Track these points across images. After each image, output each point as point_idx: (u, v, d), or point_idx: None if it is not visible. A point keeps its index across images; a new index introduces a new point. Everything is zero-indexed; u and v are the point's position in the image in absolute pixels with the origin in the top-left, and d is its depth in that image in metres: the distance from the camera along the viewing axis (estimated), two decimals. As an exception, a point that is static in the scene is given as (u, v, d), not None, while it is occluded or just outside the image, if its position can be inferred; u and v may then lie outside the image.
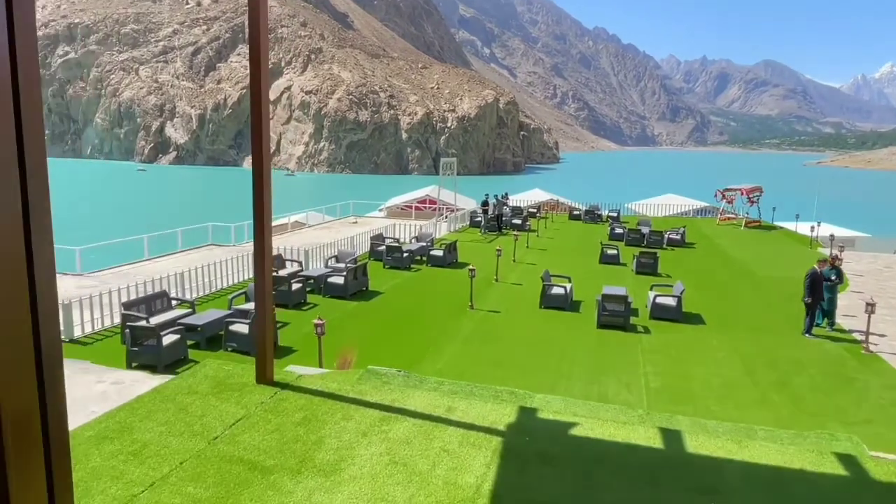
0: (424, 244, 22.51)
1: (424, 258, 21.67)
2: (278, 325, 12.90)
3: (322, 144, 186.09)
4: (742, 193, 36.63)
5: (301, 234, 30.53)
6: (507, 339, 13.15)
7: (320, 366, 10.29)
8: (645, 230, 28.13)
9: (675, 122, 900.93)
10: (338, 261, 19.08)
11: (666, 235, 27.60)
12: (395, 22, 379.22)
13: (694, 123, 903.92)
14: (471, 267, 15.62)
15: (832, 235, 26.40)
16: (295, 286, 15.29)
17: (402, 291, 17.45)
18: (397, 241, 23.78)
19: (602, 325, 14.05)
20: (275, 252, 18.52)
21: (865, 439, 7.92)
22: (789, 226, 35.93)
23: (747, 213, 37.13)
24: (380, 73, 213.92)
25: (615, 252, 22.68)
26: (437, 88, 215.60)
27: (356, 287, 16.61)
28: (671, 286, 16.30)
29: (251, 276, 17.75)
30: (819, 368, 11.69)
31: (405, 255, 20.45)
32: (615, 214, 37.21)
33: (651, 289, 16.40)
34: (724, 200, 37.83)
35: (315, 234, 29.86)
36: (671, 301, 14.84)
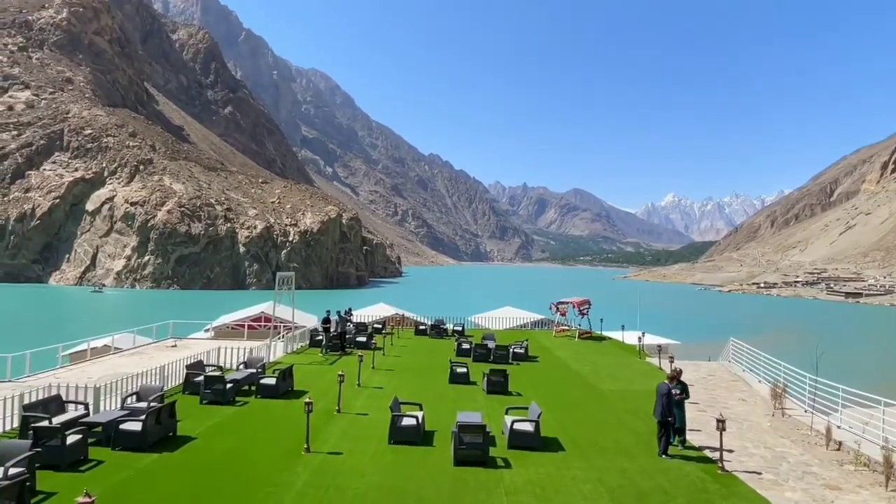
0: (253, 371, 19.56)
1: (253, 388, 18.67)
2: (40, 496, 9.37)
3: (147, 258, 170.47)
4: (573, 306, 38.57)
5: (103, 363, 25.61)
6: (350, 491, 10.84)
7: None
8: (491, 345, 27.76)
9: (504, 240, 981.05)
10: (139, 399, 15.48)
11: (511, 349, 27.40)
12: (234, 137, 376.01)
13: (520, 241, 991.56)
14: (307, 399, 13.27)
15: (660, 346, 28.03)
16: (72, 439, 11.68)
17: (221, 434, 14.35)
18: (220, 368, 20.50)
19: (459, 462, 12.36)
20: (53, 391, 14.60)
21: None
22: (616, 335, 38.20)
23: (579, 325, 38.99)
24: (216, 186, 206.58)
25: (465, 370, 21.60)
26: (279, 203, 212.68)
27: (159, 434, 13.27)
28: (526, 408, 15.30)
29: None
30: (686, 498, 10.97)
31: (228, 385, 17.36)
32: (460, 329, 36.91)
33: (507, 412, 15.24)
34: (558, 313, 39.55)
35: (121, 363, 25.19)
36: (529, 427, 13.72)
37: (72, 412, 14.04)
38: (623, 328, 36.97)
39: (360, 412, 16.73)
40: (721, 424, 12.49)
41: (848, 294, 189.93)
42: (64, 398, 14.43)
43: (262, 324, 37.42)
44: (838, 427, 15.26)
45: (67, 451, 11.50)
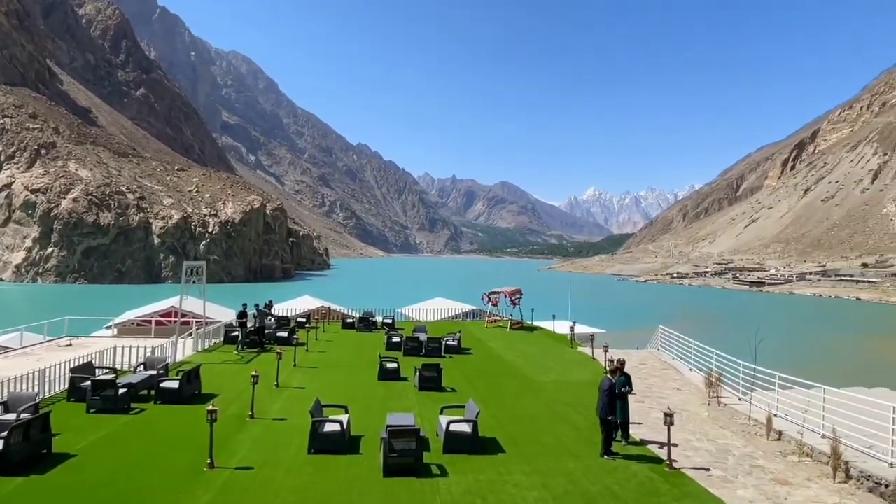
0: (153, 373, 17.26)
1: (153, 392, 16.42)
2: None
3: (50, 250, 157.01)
4: (505, 296, 37.94)
5: (-24, 367, 22.19)
6: (260, 514, 9.20)
7: None
8: (422, 337, 26.45)
9: (434, 232, 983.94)
10: (6, 409, 13.00)
11: (443, 342, 26.21)
12: (148, 122, 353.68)
13: (449, 234, 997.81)
14: (211, 405, 11.38)
15: (592, 335, 27.65)
16: None
17: (107, 450, 12.20)
18: (115, 371, 18.02)
19: (390, 472, 10.93)
20: None
21: None
22: (547, 325, 37.90)
23: (511, 315, 38.42)
24: (128, 173, 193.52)
25: (395, 366, 20.15)
26: (197, 192, 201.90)
27: (27, 452, 11.01)
28: (462, 406, 14.07)
29: None
30: (637, 502, 10.07)
31: (121, 391, 15.08)
32: (390, 321, 35.38)
33: (441, 412, 13.95)
34: (490, 303, 38.81)
35: (3, 366, 21.91)
36: (466, 427, 12.48)
37: (-88, 431, 11.46)
38: (554, 318, 36.68)
39: (276, 417, 14.92)
40: (669, 419, 11.75)
41: (752, 283, 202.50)
42: None
43: (172, 319, 34.33)
44: (775, 416, 15.00)
45: None
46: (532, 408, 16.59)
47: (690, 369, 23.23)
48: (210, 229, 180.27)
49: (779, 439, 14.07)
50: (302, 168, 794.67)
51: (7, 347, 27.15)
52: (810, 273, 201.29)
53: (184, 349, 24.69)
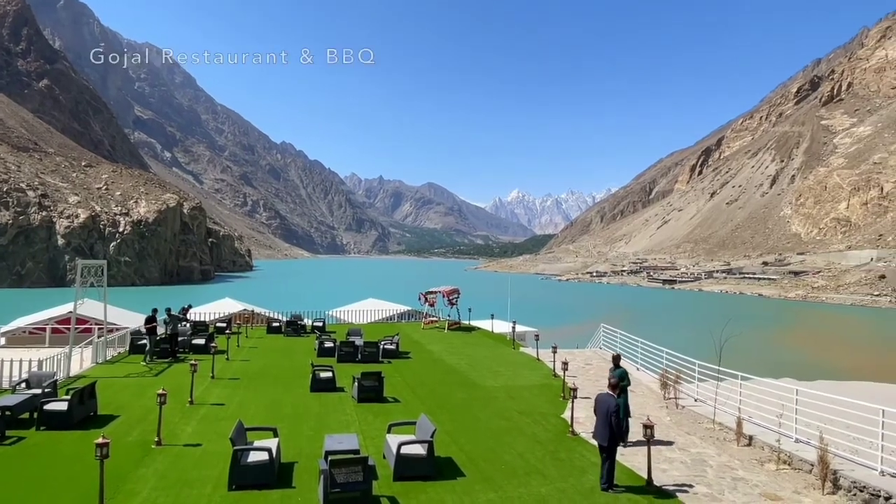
0: (37, 392, 14.35)
1: (36, 416, 13.56)
2: None
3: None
4: (443, 295, 36.43)
5: None
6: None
7: None
8: (358, 342, 24.38)
9: (361, 232, 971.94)
10: None
11: (381, 346, 24.28)
12: (52, 115, 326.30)
13: (377, 234, 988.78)
14: (101, 439, 8.92)
15: (537, 335, 26.53)
16: None
17: (-39, 497, 9.54)
18: (-13, 391, 14.94)
19: (331, 510, 9.01)
20: None
21: None
22: (484, 325, 36.72)
23: (448, 315, 36.98)
24: (28, 169, 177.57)
25: (329, 374, 18.05)
26: (107, 189, 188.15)
27: None
28: (412, 423, 12.29)
29: None
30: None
31: (-9, 418, 12.23)
32: (321, 324, 32.97)
33: (389, 430, 12.10)
34: (427, 303, 37.16)
35: None
36: (420, 449, 10.72)
37: None
38: (493, 317, 35.55)
39: (189, 443, 12.54)
40: (649, 431, 10.49)
41: (665, 281, 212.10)
42: None
43: (71, 326, 30.35)
44: (743, 419, 14.21)
45: None
46: (486, 419, 15.03)
47: (638, 369, 22.55)
48: (121, 229, 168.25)
49: (749, 444, 13.25)
50: (222, 166, 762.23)
51: None
52: (717, 271, 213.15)
53: (81, 361, 21.45)
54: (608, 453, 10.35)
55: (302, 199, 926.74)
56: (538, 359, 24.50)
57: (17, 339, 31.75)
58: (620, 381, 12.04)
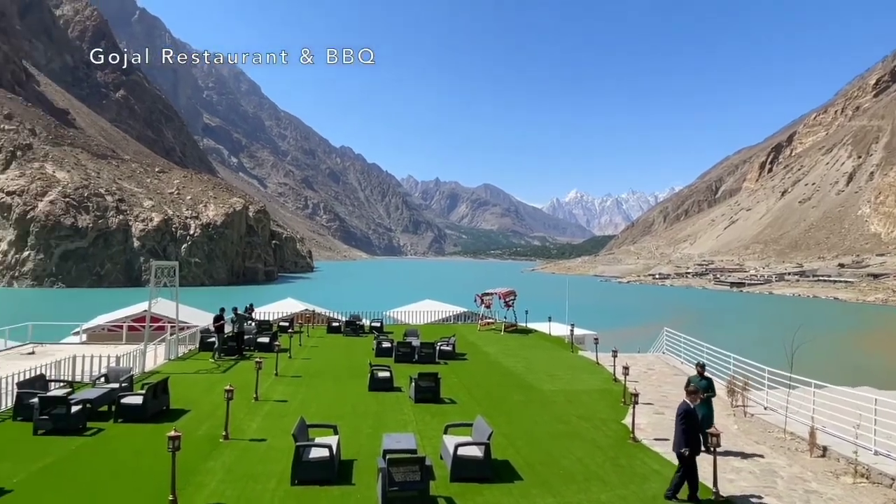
0: (115, 386, 15.24)
1: (114, 409, 14.41)
2: None
3: (27, 253, 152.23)
4: (499, 297, 36.29)
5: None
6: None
7: None
8: (414, 342, 24.63)
9: (417, 234, 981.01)
10: (-71, 436, 10.97)
11: (437, 347, 24.42)
12: (128, 124, 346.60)
13: (433, 236, 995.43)
14: (172, 432, 9.36)
15: (596, 338, 26.01)
16: None
17: (49, 482, 10.22)
18: (72, 384, 15.96)
19: (389, 508, 9.13)
20: None
21: None
22: (542, 327, 36.29)
23: (505, 317, 36.78)
24: (107, 175, 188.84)
25: (387, 374, 18.32)
26: (178, 194, 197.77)
27: (-55, 491, 9.04)
28: (469, 424, 12.29)
29: None
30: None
31: (75, 408, 13.08)
32: (378, 325, 33.50)
33: (446, 432, 12.16)
34: (483, 305, 37.11)
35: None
36: (477, 451, 10.71)
37: None
38: (550, 319, 35.09)
39: (254, 437, 13.02)
40: (715, 440, 10.07)
41: (732, 284, 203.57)
42: None
43: (146, 324, 32.07)
44: (817, 428, 13.45)
45: None
46: (543, 423, 14.86)
47: (703, 375, 21.71)
48: (191, 232, 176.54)
49: (823, 455, 12.53)
50: (285, 170, 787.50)
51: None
52: (789, 273, 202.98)
53: (154, 357, 22.63)
54: (681, 461, 9.85)
55: (360, 202, 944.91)
56: (598, 363, 24.02)
57: (97, 335, 33.75)
58: (705, 392, 11.60)
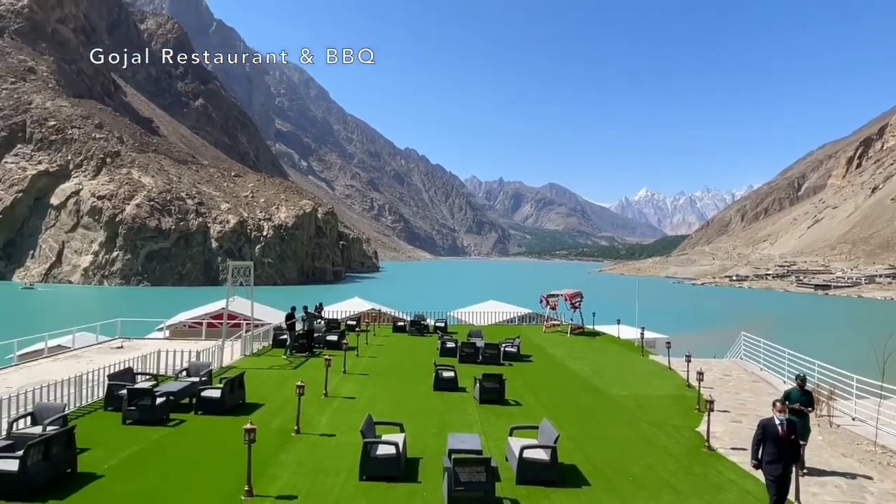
0: (195, 380, 16.06)
1: (194, 401, 15.19)
2: None
3: (115, 254, 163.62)
4: (565, 298, 35.68)
5: (31, 369, 21.80)
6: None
7: None
8: (479, 343, 24.63)
9: (481, 234, 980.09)
10: (34, 421, 11.94)
11: (502, 348, 24.31)
12: (206, 131, 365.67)
13: (497, 236, 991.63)
14: (249, 424, 9.77)
15: (668, 342, 25.08)
16: None
17: (137, 469, 10.90)
18: (156, 377, 16.97)
19: (455, 508, 9.15)
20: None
21: None
22: (610, 330, 35.42)
23: (571, 319, 36.12)
24: (187, 180, 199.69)
25: (452, 374, 18.40)
26: (252, 197, 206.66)
27: (47, 473, 9.78)
28: (534, 427, 12.14)
29: None
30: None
31: (159, 400, 13.89)
32: (443, 325, 33.72)
33: (511, 434, 12.08)
34: (549, 307, 36.59)
35: (52, 369, 21.34)
36: (543, 454, 10.57)
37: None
38: (619, 322, 34.18)
39: (324, 432, 13.40)
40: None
41: (817, 286, 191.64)
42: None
43: (223, 321, 33.70)
44: (914, 443, 12.45)
45: None
46: (612, 428, 14.49)
47: (784, 381, 20.54)
48: (264, 233, 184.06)
49: (923, 473, 11.55)
50: (351, 173, 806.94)
51: (66, 347, 27.00)
52: (880, 275, 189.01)
53: (231, 353, 23.72)
54: (778, 485, 8.74)
55: (424, 203, 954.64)
56: (669, 367, 23.18)
57: (179, 331, 35.72)
58: (806, 406, 10.92)
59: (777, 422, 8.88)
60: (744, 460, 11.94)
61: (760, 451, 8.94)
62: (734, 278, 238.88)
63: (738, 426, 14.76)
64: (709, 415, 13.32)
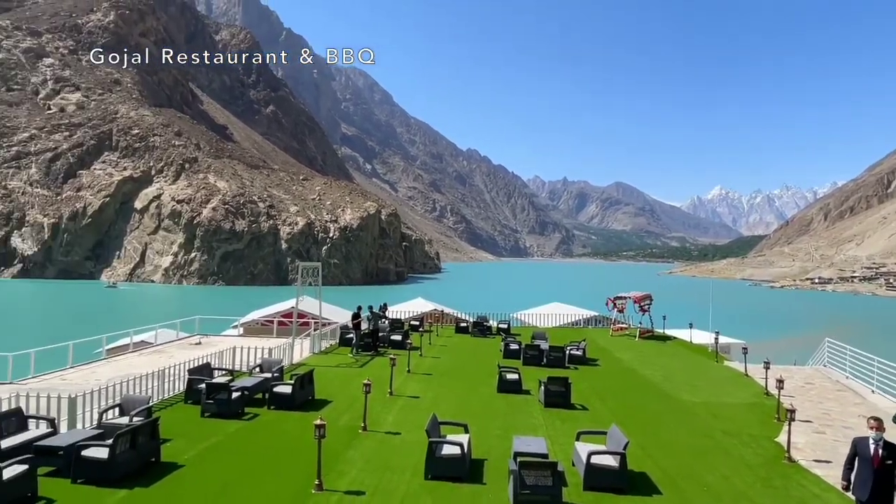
0: (267, 376, 16.67)
1: (267, 396, 15.78)
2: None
3: (193, 255, 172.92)
4: (633, 301, 34.67)
5: (117, 363, 23.29)
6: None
7: None
8: (543, 345, 24.33)
9: (544, 235, 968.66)
10: (121, 412, 12.74)
11: (566, 351, 23.89)
12: (276, 136, 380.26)
13: (560, 237, 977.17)
14: (319, 420, 10.04)
15: (745, 348, 23.84)
16: (12, 471, 8.92)
17: (214, 460, 11.43)
18: (232, 372, 17.72)
19: (521, 511, 9.06)
20: (14, 402, 11.97)
21: None
22: (681, 334, 34.14)
23: (640, 323, 35.07)
24: (259, 184, 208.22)
25: (516, 377, 18.25)
26: (319, 199, 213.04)
27: (134, 461, 10.41)
28: (602, 432, 11.86)
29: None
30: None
31: (235, 394, 14.51)
32: (505, 326, 33.53)
33: (578, 438, 11.84)
34: (616, 309, 35.65)
35: (137, 363, 22.74)
36: (612, 461, 10.30)
37: (33, 431, 11.36)
38: (691, 326, 32.86)
39: (390, 430, 13.60)
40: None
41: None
42: (25, 413, 11.74)
43: (293, 320, 34.88)
44: None
45: (4, 486, 8.74)
46: (684, 436, 13.94)
47: (874, 391, 19.17)
48: (331, 234, 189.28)
49: None
50: (414, 175, 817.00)
51: (149, 343, 28.67)
52: None
53: (301, 351, 24.48)
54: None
55: (486, 204, 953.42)
56: (746, 374, 22.10)
57: (252, 329, 37.19)
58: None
59: (871, 441, 7.96)
60: (828, 473, 11.24)
61: (853, 473, 8.17)
62: (816, 281, 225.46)
63: (822, 437, 13.88)
64: (790, 424, 12.57)
